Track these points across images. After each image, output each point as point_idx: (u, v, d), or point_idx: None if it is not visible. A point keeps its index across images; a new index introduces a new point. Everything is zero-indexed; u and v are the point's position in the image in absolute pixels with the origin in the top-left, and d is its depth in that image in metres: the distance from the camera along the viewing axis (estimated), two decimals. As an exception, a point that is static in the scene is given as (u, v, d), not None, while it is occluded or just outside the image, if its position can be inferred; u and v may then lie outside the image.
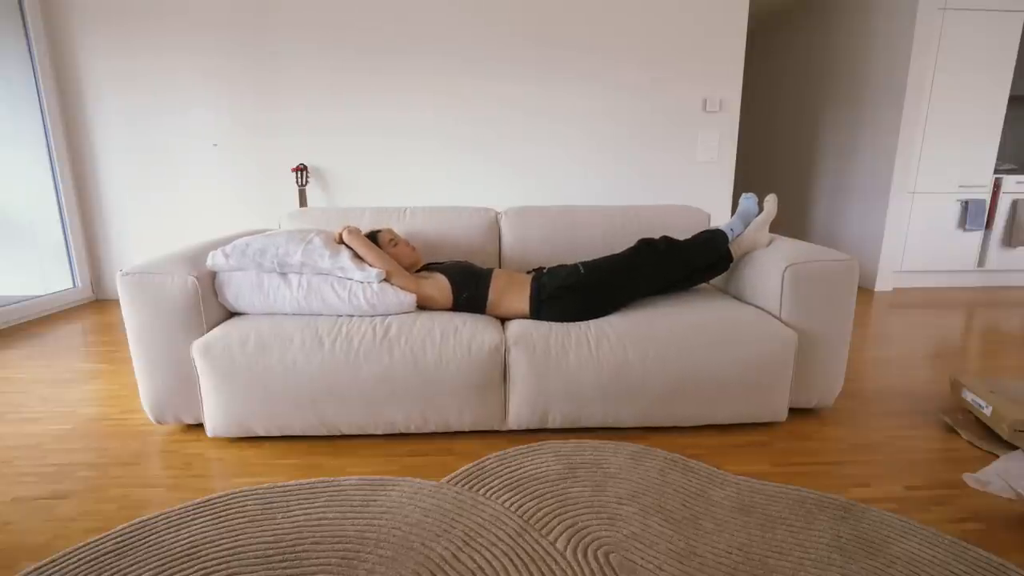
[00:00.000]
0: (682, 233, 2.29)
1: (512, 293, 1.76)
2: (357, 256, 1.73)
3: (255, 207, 3.55)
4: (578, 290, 1.72)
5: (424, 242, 2.15)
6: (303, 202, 3.38)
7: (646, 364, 1.60)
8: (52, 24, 3.24)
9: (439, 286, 1.76)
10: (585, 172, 3.62)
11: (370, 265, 1.71)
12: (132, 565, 1.11)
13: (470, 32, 3.37)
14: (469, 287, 1.77)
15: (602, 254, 2.25)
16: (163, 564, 1.12)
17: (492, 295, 1.77)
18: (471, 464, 1.48)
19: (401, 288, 1.71)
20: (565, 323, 1.68)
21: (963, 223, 3.76)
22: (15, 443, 1.66)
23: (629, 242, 2.26)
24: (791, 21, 4.79)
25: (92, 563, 1.12)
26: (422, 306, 1.78)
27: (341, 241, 1.77)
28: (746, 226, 1.95)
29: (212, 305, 1.68)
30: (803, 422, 1.77)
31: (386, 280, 1.71)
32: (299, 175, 3.37)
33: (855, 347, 2.52)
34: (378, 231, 1.91)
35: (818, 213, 4.46)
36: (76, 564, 1.12)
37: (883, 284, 3.80)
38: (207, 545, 1.17)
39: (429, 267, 1.90)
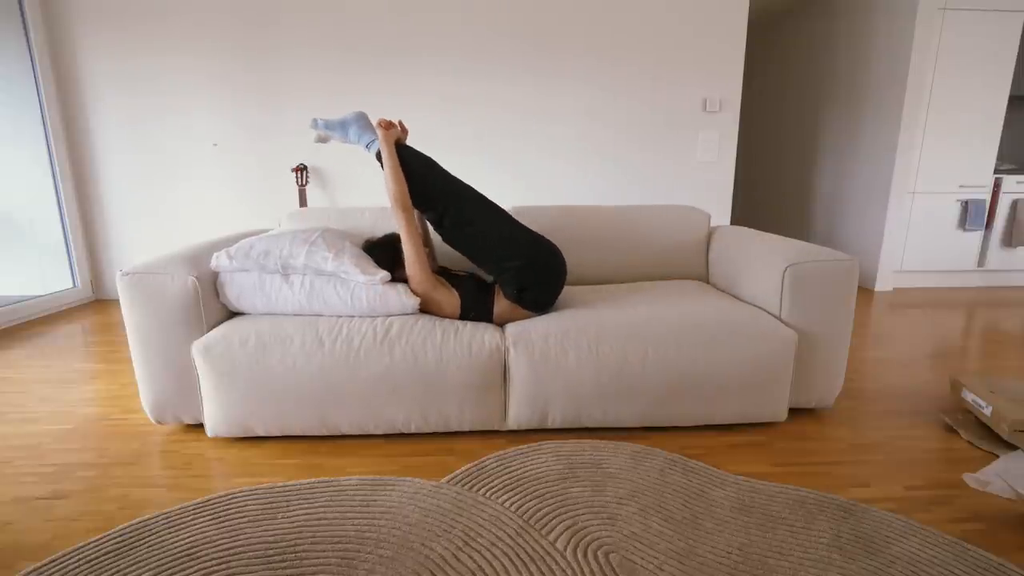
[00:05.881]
0: (682, 234, 2.29)
1: (515, 312, 1.77)
2: (360, 259, 1.71)
3: (255, 207, 3.55)
4: (521, 273, 1.72)
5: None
6: (303, 202, 3.39)
7: (646, 364, 1.60)
8: (52, 24, 3.24)
9: (452, 303, 1.74)
10: (585, 172, 3.62)
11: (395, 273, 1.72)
12: (132, 565, 1.11)
13: (470, 34, 3.37)
14: (476, 308, 1.76)
15: (602, 253, 2.25)
16: (163, 564, 1.12)
17: (497, 314, 1.77)
18: (471, 464, 1.48)
19: (418, 288, 1.71)
20: (565, 323, 1.67)
21: (963, 223, 3.76)
22: (15, 443, 1.66)
23: (628, 241, 2.26)
24: (791, 21, 4.79)
25: (92, 563, 1.12)
26: (424, 311, 1.77)
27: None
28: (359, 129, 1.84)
29: (212, 305, 1.68)
30: (803, 422, 1.77)
31: (405, 284, 1.72)
32: (299, 175, 3.38)
33: (855, 347, 2.52)
34: (396, 235, 1.90)
35: (818, 213, 4.46)
36: (76, 564, 1.12)
37: (883, 284, 3.80)
38: (207, 545, 1.17)
39: (448, 277, 1.84)
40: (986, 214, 3.75)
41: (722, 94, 3.53)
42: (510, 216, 1.80)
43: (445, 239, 1.80)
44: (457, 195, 1.76)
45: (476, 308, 1.75)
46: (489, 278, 1.94)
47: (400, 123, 1.83)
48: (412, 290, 1.72)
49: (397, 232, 1.95)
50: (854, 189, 4.02)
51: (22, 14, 3.14)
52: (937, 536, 1.19)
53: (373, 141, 1.80)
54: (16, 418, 1.83)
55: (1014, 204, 3.74)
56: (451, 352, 1.57)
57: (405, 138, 1.88)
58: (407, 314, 1.71)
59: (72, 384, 2.12)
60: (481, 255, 1.76)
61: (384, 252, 1.80)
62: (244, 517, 1.26)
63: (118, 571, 1.10)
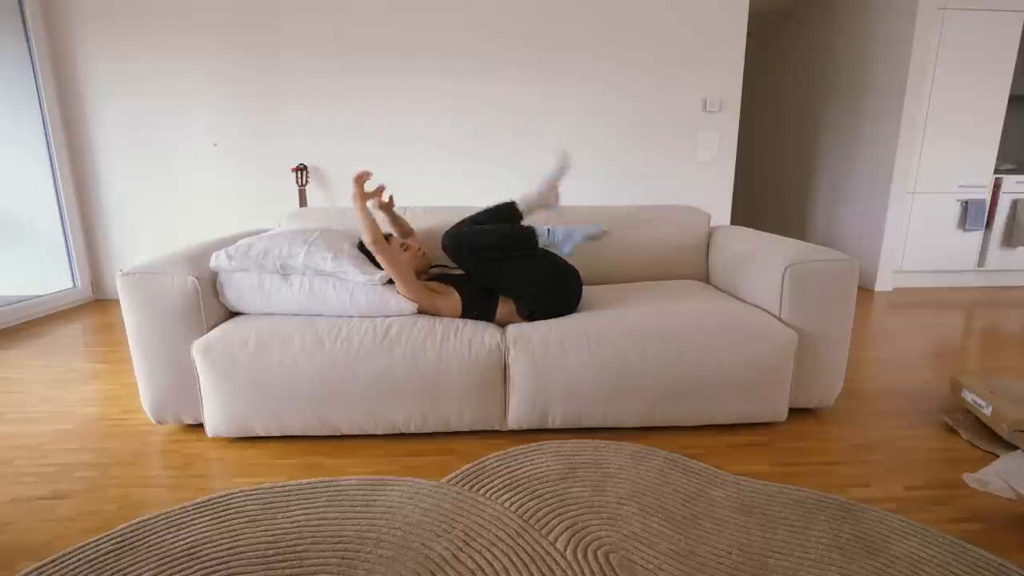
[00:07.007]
0: (682, 234, 2.29)
1: (516, 316, 1.78)
2: (359, 259, 1.71)
3: (255, 207, 3.55)
4: (538, 300, 1.73)
5: (424, 242, 2.15)
6: (303, 202, 3.39)
7: (646, 364, 1.60)
8: (52, 24, 3.24)
9: (452, 304, 1.74)
10: (585, 172, 3.62)
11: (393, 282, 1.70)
12: (132, 565, 1.11)
13: (471, 34, 3.37)
14: (479, 306, 1.76)
15: (603, 253, 2.25)
16: (163, 564, 1.12)
17: (499, 315, 1.77)
18: (471, 464, 1.48)
19: (413, 301, 1.70)
20: (565, 323, 1.67)
21: (963, 223, 3.76)
22: (15, 443, 1.66)
23: (628, 242, 2.26)
24: (791, 21, 4.79)
25: (92, 563, 1.12)
26: (424, 312, 1.76)
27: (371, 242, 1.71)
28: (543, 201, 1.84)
29: (212, 305, 1.68)
30: (803, 422, 1.77)
31: (403, 294, 1.70)
32: (299, 175, 3.38)
33: (855, 347, 2.52)
34: (388, 235, 1.90)
35: (818, 213, 4.46)
36: (76, 564, 1.12)
37: (883, 284, 3.80)
38: (207, 545, 1.17)
39: (444, 278, 1.84)
40: (986, 214, 3.75)
41: (722, 94, 3.53)
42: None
43: (462, 268, 1.77)
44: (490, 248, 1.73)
45: (478, 307, 1.75)
46: None
47: (379, 188, 1.81)
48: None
49: (389, 232, 1.95)
50: (854, 189, 4.02)
51: (22, 14, 3.14)
52: (937, 536, 1.19)
53: (563, 244, 1.76)
54: (16, 418, 1.83)
55: (1014, 204, 3.74)
56: (451, 352, 1.57)
57: (391, 205, 1.91)
58: (406, 315, 1.71)
59: (72, 384, 2.12)
60: (499, 287, 1.76)
61: None
62: (244, 517, 1.26)
63: (118, 571, 1.10)
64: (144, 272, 1.58)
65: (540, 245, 1.76)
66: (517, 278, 1.72)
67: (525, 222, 1.88)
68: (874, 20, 3.77)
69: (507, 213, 1.83)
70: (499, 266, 1.71)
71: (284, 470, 1.50)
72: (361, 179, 1.69)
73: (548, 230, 1.77)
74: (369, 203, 1.86)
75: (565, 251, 1.78)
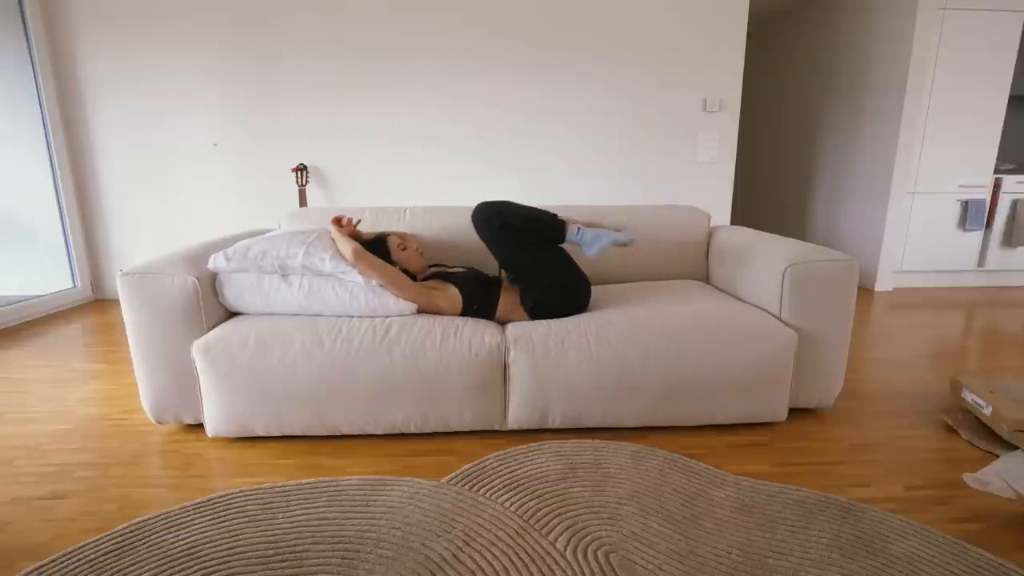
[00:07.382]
0: (682, 234, 2.29)
1: (516, 311, 1.78)
2: None
3: (255, 207, 3.55)
4: (547, 293, 1.73)
5: (424, 242, 2.15)
6: (303, 202, 3.39)
7: (646, 364, 1.60)
8: (52, 24, 3.24)
9: (451, 299, 1.75)
10: (585, 172, 3.62)
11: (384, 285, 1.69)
12: (132, 565, 1.11)
13: (470, 34, 3.37)
14: (479, 300, 1.76)
15: (603, 253, 2.24)
16: (163, 564, 1.12)
17: (500, 311, 1.77)
18: (471, 464, 1.48)
19: (411, 302, 1.70)
20: (565, 323, 1.67)
21: (963, 223, 3.76)
22: (15, 443, 1.66)
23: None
24: (791, 21, 4.79)
25: (92, 563, 1.12)
26: (424, 311, 1.76)
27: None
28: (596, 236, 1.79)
29: (212, 305, 1.68)
30: (803, 422, 1.77)
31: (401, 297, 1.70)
32: (299, 175, 3.38)
33: (855, 347, 2.52)
34: (387, 235, 1.90)
35: (818, 213, 4.46)
36: (76, 564, 1.12)
37: (883, 284, 3.80)
38: (207, 545, 1.17)
39: (442, 276, 1.84)
40: (986, 214, 3.75)
41: (722, 94, 3.53)
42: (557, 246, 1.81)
43: (484, 239, 1.77)
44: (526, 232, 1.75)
45: (479, 301, 1.75)
46: (493, 273, 1.94)
47: (349, 221, 1.83)
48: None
49: (388, 232, 1.95)
50: (854, 189, 4.02)
51: (22, 14, 3.14)
52: (937, 536, 1.19)
53: (589, 245, 1.76)
54: (16, 418, 1.83)
55: (1014, 204, 3.74)
56: (451, 352, 1.57)
57: (358, 236, 1.90)
58: (406, 315, 1.70)
59: (72, 384, 2.12)
60: (514, 268, 1.76)
61: (375, 252, 1.80)
62: (244, 517, 1.26)
63: (118, 571, 1.10)
64: (144, 272, 1.58)
65: (567, 240, 1.77)
66: (533, 265, 1.73)
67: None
68: (874, 20, 3.77)
69: (548, 220, 1.77)
70: (523, 248, 1.73)
71: (284, 470, 1.50)
72: (339, 220, 1.82)
73: (578, 228, 1.76)
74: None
75: (591, 253, 1.76)
